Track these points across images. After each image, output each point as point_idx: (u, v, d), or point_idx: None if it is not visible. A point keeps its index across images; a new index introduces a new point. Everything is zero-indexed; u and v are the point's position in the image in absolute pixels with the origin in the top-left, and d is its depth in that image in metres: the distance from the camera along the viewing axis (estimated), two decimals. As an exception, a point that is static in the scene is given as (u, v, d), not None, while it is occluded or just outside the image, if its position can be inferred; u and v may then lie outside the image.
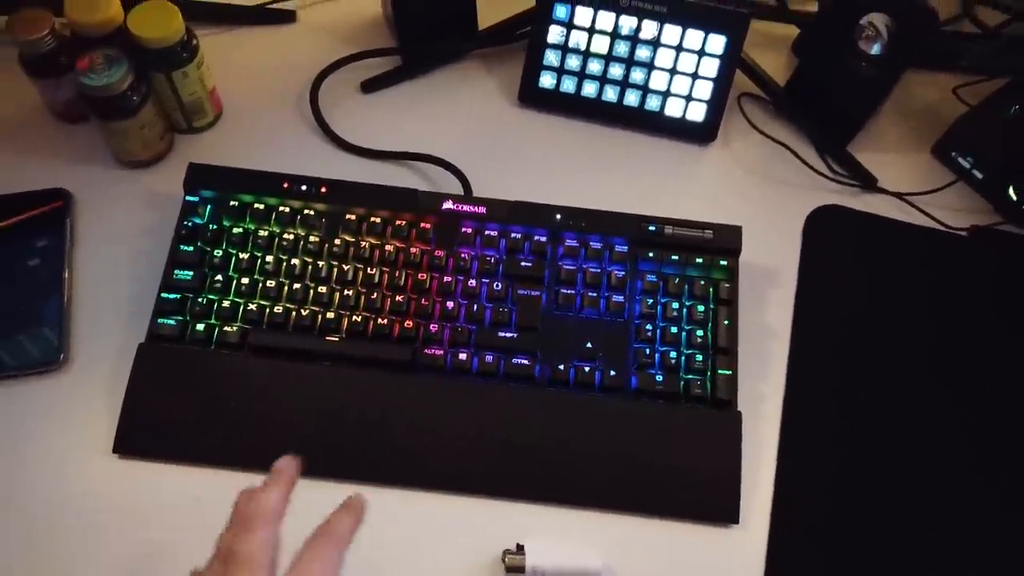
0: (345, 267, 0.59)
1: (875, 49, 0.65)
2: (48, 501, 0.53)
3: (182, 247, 0.59)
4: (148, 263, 0.61)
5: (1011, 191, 0.66)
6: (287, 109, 0.71)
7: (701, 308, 0.59)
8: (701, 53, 0.68)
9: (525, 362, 0.57)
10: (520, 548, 0.52)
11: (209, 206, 0.61)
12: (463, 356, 0.57)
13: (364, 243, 0.60)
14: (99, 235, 0.63)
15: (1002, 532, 0.55)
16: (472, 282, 0.59)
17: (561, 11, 0.68)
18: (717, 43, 0.67)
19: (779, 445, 0.58)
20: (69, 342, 0.58)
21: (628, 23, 0.68)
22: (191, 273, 0.58)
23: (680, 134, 0.71)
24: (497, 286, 0.59)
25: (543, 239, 0.61)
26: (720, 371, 0.57)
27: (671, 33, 0.67)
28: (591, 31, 0.68)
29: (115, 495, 0.54)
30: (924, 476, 0.57)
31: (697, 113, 0.70)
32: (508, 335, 0.58)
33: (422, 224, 0.60)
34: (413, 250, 0.60)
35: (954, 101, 0.73)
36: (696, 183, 0.70)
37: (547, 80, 0.71)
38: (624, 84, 0.70)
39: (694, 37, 0.67)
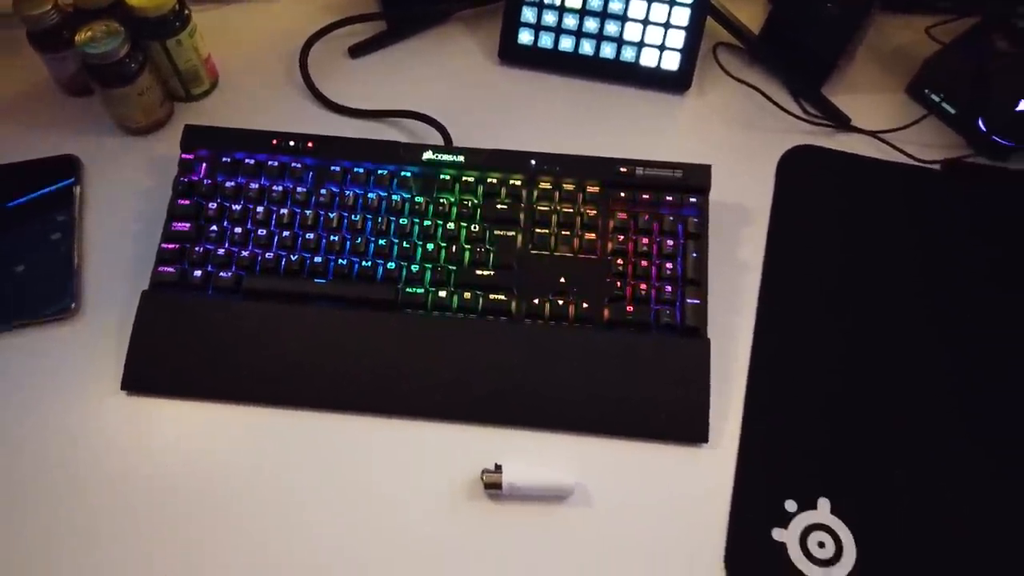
0: (331, 215, 0.62)
1: (840, -11, 0.67)
2: (61, 437, 0.57)
3: (179, 201, 0.63)
4: (151, 220, 0.65)
5: (981, 123, 0.67)
6: (280, 76, 0.75)
7: (671, 242, 0.61)
8: (672, 2, 0.70)
9: (502, 298, 0.60)
10: (498, 468, 0.55)
11: (204, 164, 0.64)
12: (443, 294, 0.60)
13: (348, 192, 0.63)
14: (106, 196, 0.67)
15: (968, 447, 0.57)
16: (451, 225, 0.62)
17: (535, -31, 0.71)
18: (687, -8, 0.69)
19: (749, 369, 0.60)
20: (80, 292, 0.62)
21: (600, -23, 0.70)
22: (188, 225, 0.62)
23: (656, 84, 0.74)
24: (475, 228, 0.62)
25: (518, 183, 0.64)
26: (689, 300, 0.60)
27: (642, -16, 0.70)
28: (565, -14, 0.71)
29: (123, 428, 0.58)
30: (891, 394, 0.59)
31: (671, 62, 0.72)
32: (486, 273, 0.61)
33: (403, 173, 0.64)
34: (395, 197, 0.63)
35: (928, 42, 0.74)
36: (672, 131, 0.72)
37: (525, 37, 0.74)
38: (599, 37, 0.72)
39: (664, -13, 0.69)
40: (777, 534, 0.54)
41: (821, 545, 0.54)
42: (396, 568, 0.53)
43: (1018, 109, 0.65)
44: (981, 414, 0.58)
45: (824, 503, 0.55)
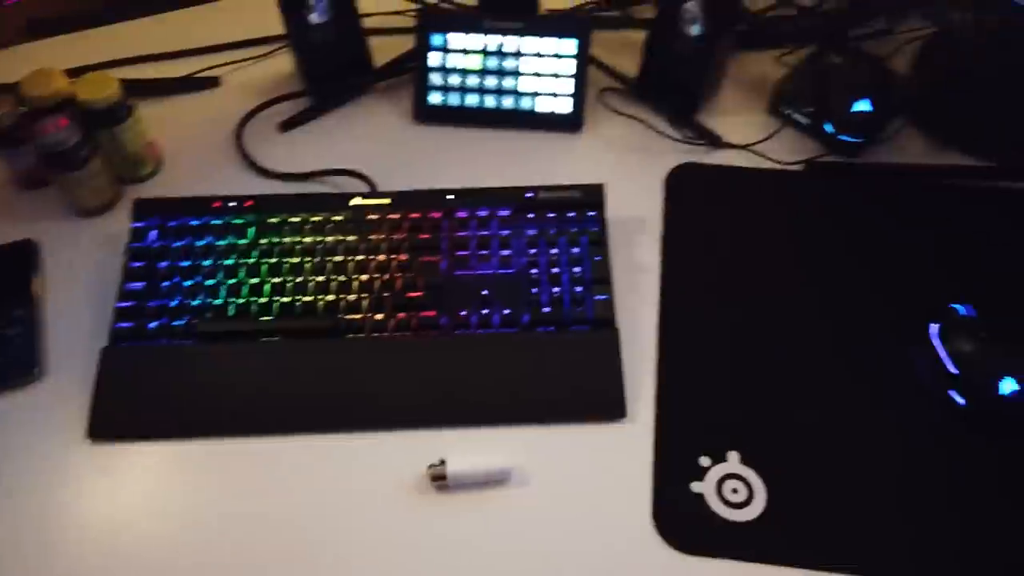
0: (272, 260, 0.69)
1: (694, 30, 0.79)
2: (32, 488, 0.61)
3: (132, 264, 0.69)
4: (107, 289, 0.71)
5: (827, 126, 0.78)
6: (219, 154, 0.83)
7: (576, 250, 0.70)
8: (557, 56, 0.81)
9: (432, 314, 0.67)
10: (442, 462, 0.61)
11: (154, 231, 0.71)
12: (379, 317, 0.67)
13: (286, 240, 0.70)
14: (64, 273, 0.73)
15: (846, 394, 0.65)
16: (382, 257, 0.70)
17: (437, 39, 0.82)
18: (569, 45, 0.81)
19: (658, 351, 0.67)
20: (44, 359, 0.67)
21: (493, 41, 0.81)
22: (143, 284, 0.68)
23: (553, 126, 0.84)
24: (403, 258, 0.70)
25: (438, 216, 0.72)
26: (597, 297, 0.68)
27: (530, 44, 0.81)
28: (464, 52, 0.82)
29: (91, 475, 0.62)
30: (780, 360, 0.67)
31: (564, 106, 0.83)
32: (415, 295, 0.68)
33: (334, 218, 0.71)
34: (329, 239, 0.71)
35: (780, 69, 0.87)
36: (571, 164, 0.82)
37: (435, 98, 0.84)
38: (499, 91, 0.83)
39: (549, 44, 0.81)
40: (695, 487, 0.60)
41: (735, 491, 0.60)
42: (359, 561, 0.58)
43: (852, 110, 0.76)
44: (850, 367, 0.66)
45: (733, 455, 0.62)
